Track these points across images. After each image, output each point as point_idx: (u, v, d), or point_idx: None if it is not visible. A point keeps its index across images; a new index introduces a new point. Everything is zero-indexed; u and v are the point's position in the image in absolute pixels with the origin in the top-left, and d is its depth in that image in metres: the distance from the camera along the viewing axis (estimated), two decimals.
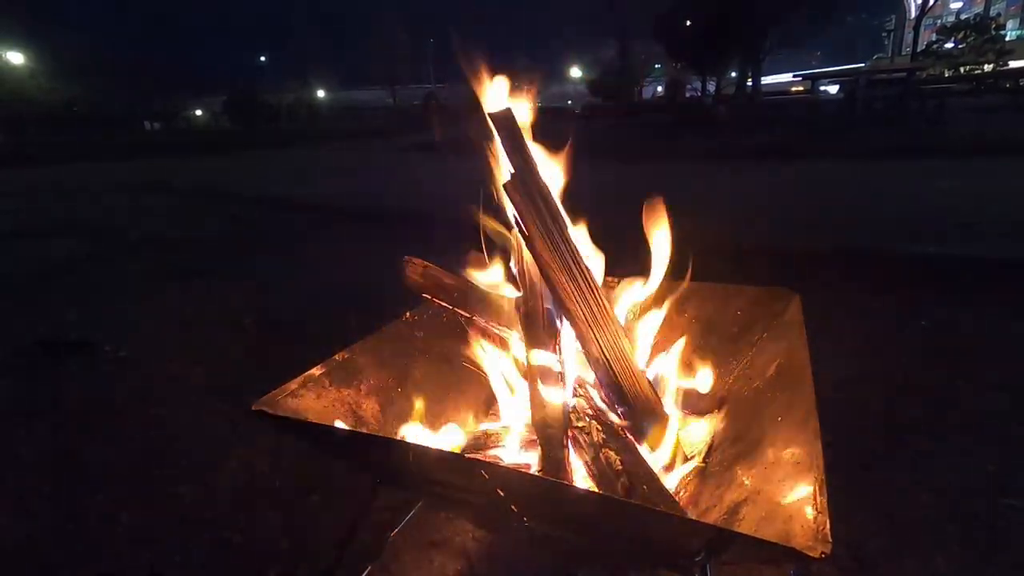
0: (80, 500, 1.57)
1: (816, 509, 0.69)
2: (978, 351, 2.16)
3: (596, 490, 0.96)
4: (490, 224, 1.22)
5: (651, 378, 1.21)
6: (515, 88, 1.12)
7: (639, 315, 1.31)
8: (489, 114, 1.05)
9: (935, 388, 1.92)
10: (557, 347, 1.10)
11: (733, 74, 29.36)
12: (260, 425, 0.98)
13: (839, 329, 2.38)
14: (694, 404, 1.33)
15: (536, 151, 1.10)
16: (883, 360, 2.15)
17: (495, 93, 1.10)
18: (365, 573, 1.25)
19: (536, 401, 1.06)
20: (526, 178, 1.01)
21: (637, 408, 1.08)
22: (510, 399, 1.27)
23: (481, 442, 1.19)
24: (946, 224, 3.81)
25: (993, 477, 1.48)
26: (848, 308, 2.61)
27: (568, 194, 1.13)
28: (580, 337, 1.05)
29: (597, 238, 1.20)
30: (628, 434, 1.07)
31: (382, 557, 1.29)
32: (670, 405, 1.26)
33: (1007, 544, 1.27)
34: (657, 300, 1.29)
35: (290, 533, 1.40)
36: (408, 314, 1.41)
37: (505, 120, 1.03)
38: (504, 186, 1.01)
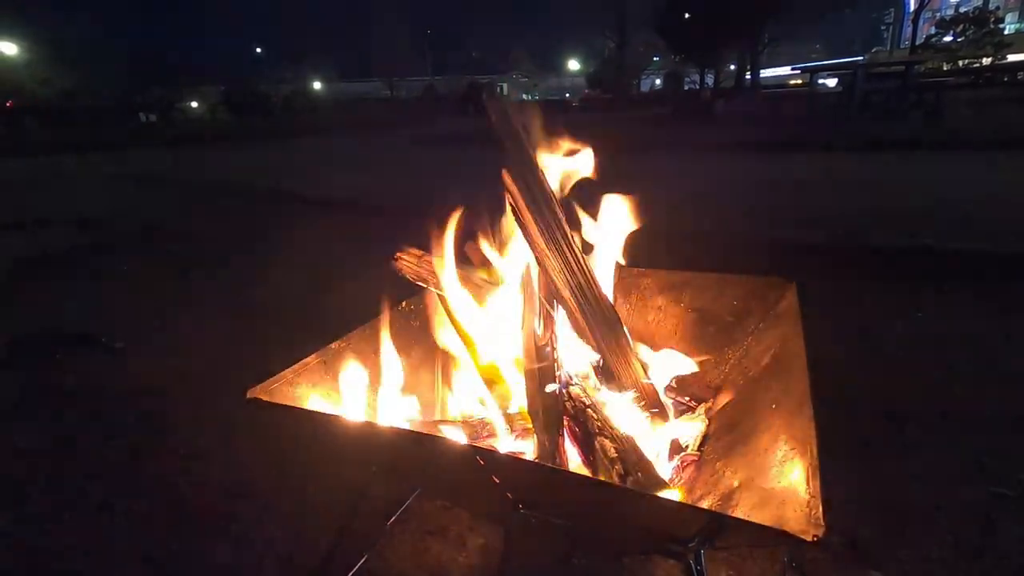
0: (77, 490, 1.57)
1: (809, 494, 0.69)
2: (973, 342, 2.17)
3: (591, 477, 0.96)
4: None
5: (647, 366, 1.21)
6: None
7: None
8: (487, 105, 1.04)
9: (929, 378, 1.93)
10: (552, 335, 1.10)
11: (732, 67, 29.32)
12: (257, 414, 0.98)
13: (835, 319, 2.39)
14: (689, 392, 1.33)
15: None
16: (878, 350, 2.16)
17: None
18: (362, 562, 1.25)
19: (531, 389, 1.06)
20: (521, 166, 1.01)
21: (632, 396, 1.08)
22: (505, 387, 1.27)
23: (477, 430, 1.19)
24: (943, 217, 3.82)
25: (986, 466, 1.49)
26: (844, 299, 2.62)
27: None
28: (575, 325, 1.05)
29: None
30: (623, 422, 1.07)
31: (379, 546, 1.30)
32: (665, 393, 1.27)
33: (998, 532, 1.28)
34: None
35: (287, 522, 1.40)
36: (404, 303, 1.41)
37: (501, 111, 1.03)
38: (500, 173, 1.01)
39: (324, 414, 1.02)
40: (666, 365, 1.37)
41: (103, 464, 1.69)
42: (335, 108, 36.75)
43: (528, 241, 1.03)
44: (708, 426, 1.23)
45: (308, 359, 1.13)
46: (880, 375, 1.97)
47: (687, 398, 1.33)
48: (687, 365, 1.36)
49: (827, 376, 1.87)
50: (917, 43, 25.29)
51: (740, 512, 0.81)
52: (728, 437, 1.10)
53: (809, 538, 0.61)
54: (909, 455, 1.55)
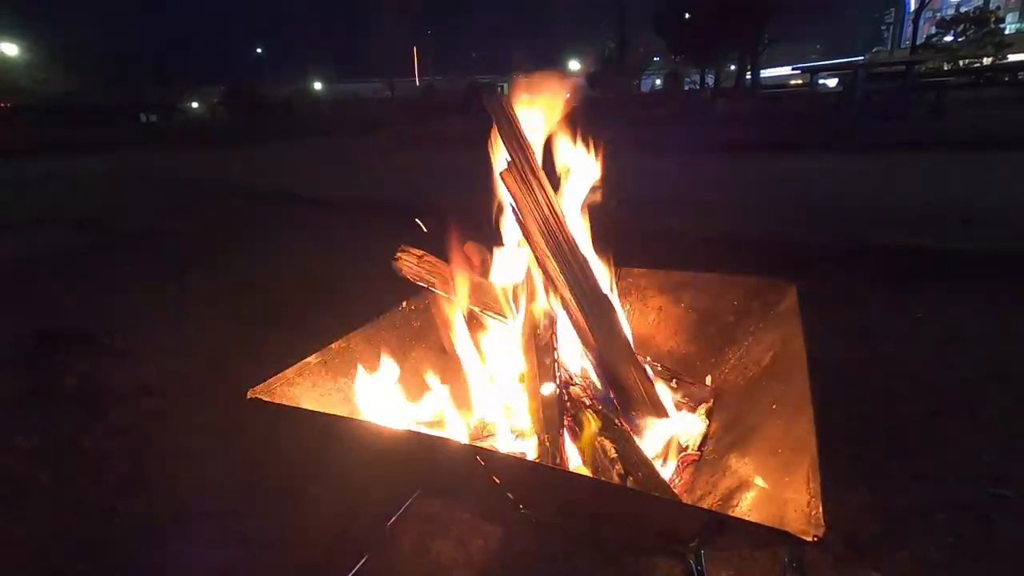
0: (77, 490, 1.57)
1: (810, 494, 0.69)
2: (974, 343, 2.17)
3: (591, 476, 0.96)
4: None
5: (646, 366, 1.21)
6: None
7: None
8: (486, 103, 1.04)
9: (930, 378, 1.93)
10: (553, 336, 1.10)
11: (732, 67, 29.31)
12: (258, 414, 0.98)
13: (835, 320, 2.38)
14: (690, 393, 1.33)
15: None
16: (879, 351, 2.15)
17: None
18: (362, 562, 1.25)
19: (532, 389, 1.06)
20: (522, 166, 1.01)
21: (632, 396, 1.08)
22: (506, 388, 1.27)
23: (478, 431, 1.20)
24: (944, 217, 3.82)
25: (986, 467, 1.48)
26: (844, 299, 2.62)
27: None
28: (575, 325, 1.06)
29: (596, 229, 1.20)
30: (623, 422, 1.07)
31: (379, 546, 1.29)
32: (666, 394, 1.27)
33: (999, 534, 1.28)
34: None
35: (288, 522, 1.40)
36: (405, 303, 1.41)
37: (500, 108, 1.03)
38: (500, 174, 1.01)
39: (324, 413, 1.03)
40: (666, 366, 1.37)
41: (103, 464, 1.69)
42: (335, 108, 36.75)
43: (529, 242, 1.03)
44: (708, 426, 1.24)
45: (308, 359, 1.13)
46: (880, 375, 1.97)
47: (688, 398, 1.33)
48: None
49: (827, 376, 1.86)
50: (918, 43, 25.26)
51: (740, 512, 0.81)
52: (728, 437, 1.10)
53: (809, 538, 0.61)
54: (909, 456, 1.55)
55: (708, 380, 1.39)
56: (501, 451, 1.10)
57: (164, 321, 2.83)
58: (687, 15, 25.43)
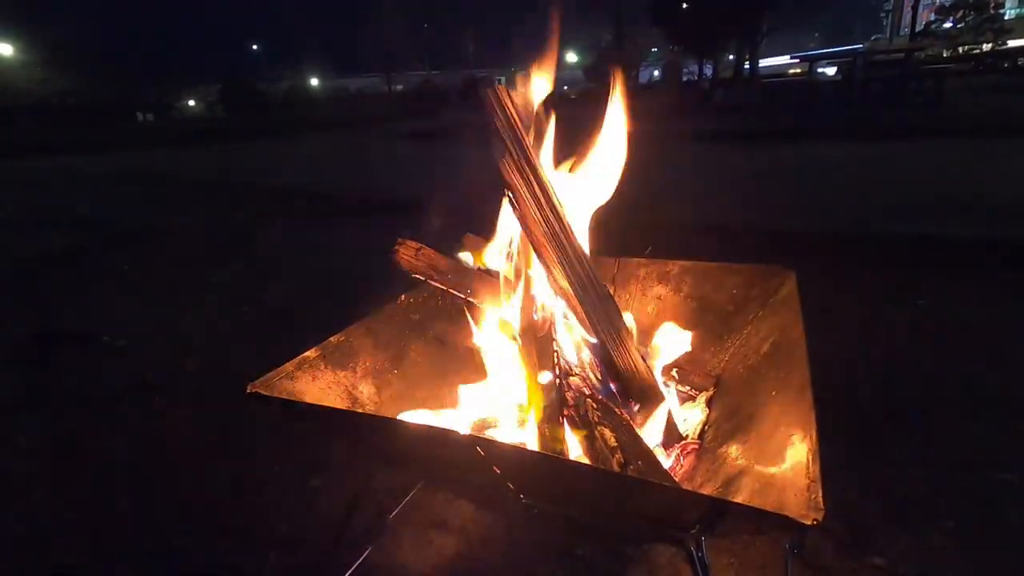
0: (79, 488, 1.58)
1: (809, 479, 0.69)
2: (974, 329, 2.17)
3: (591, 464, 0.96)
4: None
5: (646, 355, 1.21)
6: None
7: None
8: (484, 94, 1.04)
9: (930, 365, 1.93)
10: (551, 326, 1.10)
11: (731, 57, 29.17)
12: (259, 410, 0.98)
13: (835, 307, 2.38)
14: (690, 381, 1.33)
15: None
16: (880, 337, 2.15)
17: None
18: (365, 555, 1.26)
19: (531, 379, 1.06)
20: (520, 156, 1.00)
21: (632, 386, 1.08)
22: (506, 379, 1.27)
23: (477, 422, 1.20)
24: (944, 205, 3.81)
25: (988, 452, 1.49)
26: (844, 286, 2.61)
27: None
28: (574, 314, 1.05)
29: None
30: (623, 412, 1.07)
31: (381, 539, 1.30)
32: (665, 380, 1.27)
33: (1001, 518, 1.28)
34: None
35: (290, 516, 1.41)
36: (403, 296, 1.41)
37: (498, 98, 1.02)
38: (498, 163, 1.00)
39: (323, 407, 1.02)
40: (665, 342, 1.36)
41: (105, 462, 1.69)
42: (332, 104, 36.66)
43: (526, 232, 1.03)
44: (708, 414, 1.24)
45: (307, 353, 1.13)
46: (881, 361, 1.97)
47: (688, 387, 1.33)
48: (684, 340, 1.35)
49: (827, 363, 1.86)
50: (917, 30, 25.15)
51: (741, 499, 0.81)
52: (728, 425, 1.10)
53: (808, 521, 0.61)
54: (910, 441, 1.55)
55: (708, 368, 1.39)
56: (501, 441, 1.10)
57: (163, 319, 2.83)
58: (684, 4, 25.25)
